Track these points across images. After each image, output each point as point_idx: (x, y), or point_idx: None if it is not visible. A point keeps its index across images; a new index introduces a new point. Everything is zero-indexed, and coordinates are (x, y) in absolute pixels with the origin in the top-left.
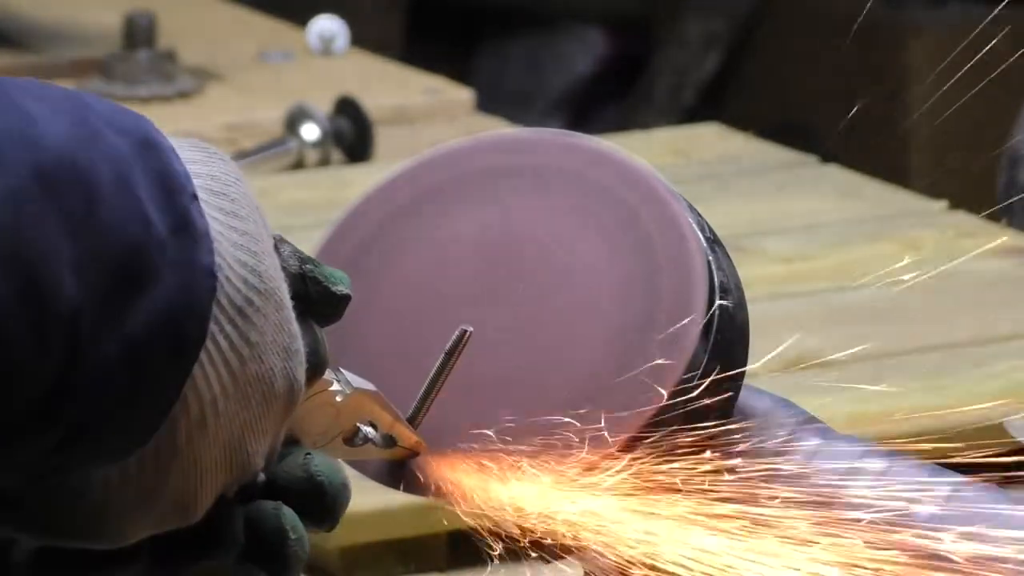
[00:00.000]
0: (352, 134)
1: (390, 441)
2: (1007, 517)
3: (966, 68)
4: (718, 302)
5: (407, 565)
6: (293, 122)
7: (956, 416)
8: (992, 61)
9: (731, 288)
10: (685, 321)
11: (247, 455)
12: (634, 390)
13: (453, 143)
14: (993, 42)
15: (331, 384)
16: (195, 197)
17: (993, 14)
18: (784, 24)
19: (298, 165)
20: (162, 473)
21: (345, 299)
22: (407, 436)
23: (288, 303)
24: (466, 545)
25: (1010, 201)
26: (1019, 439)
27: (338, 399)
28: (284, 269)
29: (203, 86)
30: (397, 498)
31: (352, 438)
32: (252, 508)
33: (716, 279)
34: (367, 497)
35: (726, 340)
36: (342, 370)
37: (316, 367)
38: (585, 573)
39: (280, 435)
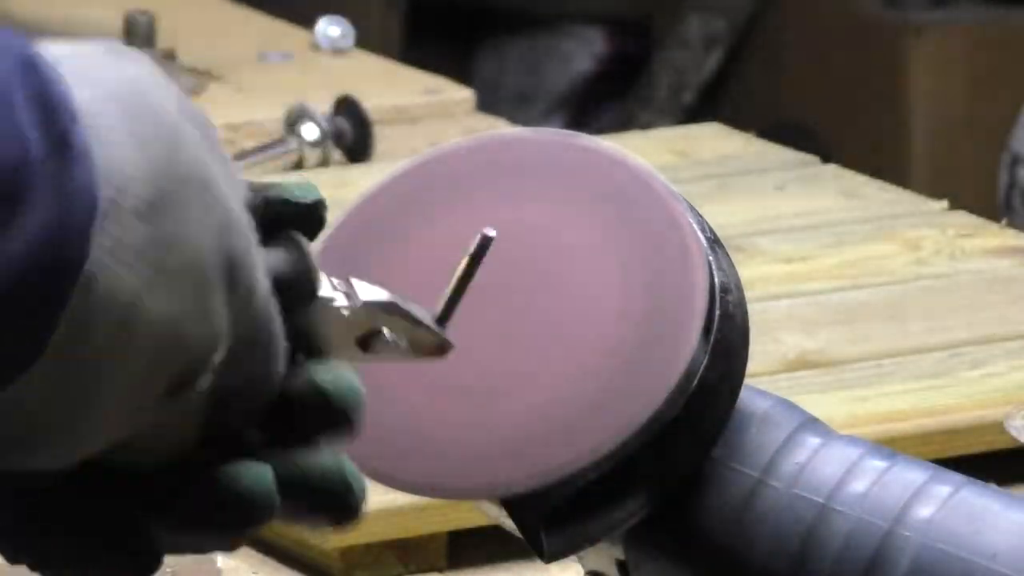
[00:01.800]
0: (352, 134)
1: (414, 346)
2: (1007, 518)
3: (966, 67)
4: (718, 302)
5: (407, 565)
6: (293, 122)
7: (956, 416)
8: (992, 61)
9: (731, 288)
10: (685, 321)
11: (194, 336)
12: (634, 390)
13: (453, 143)
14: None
15: (333, 300)
16: (75, 118)
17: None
18: (784, 24)
19: (298, 165)
20: (84, 379)
21: (318, 205)
22: (429, 338)
23: (217, 181)
24: (466, 545)
25: (1010, 201)
26: (1019, 439)
27: (344, 312)
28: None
29: (203, 86)
30: (397, 498)
31: (369, 342)
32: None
33: (716, 279)
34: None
35: (726, 340)
36: (353, 281)
37: (302, 283)
38: (586, 573)
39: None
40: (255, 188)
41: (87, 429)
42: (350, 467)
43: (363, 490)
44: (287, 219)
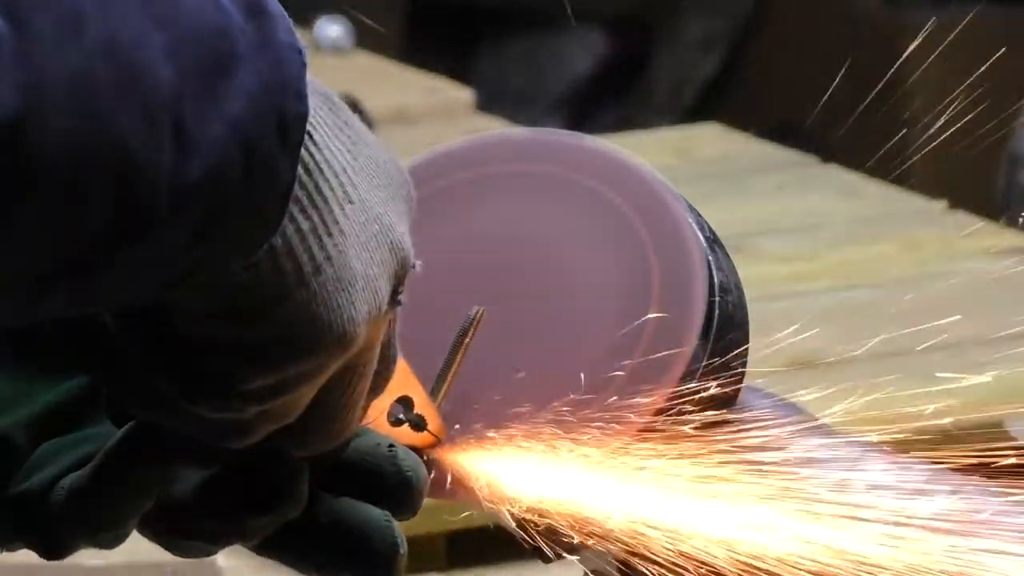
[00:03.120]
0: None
1: (421, 423)
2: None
3: (966, 67)
4: (718, 302)
5: (407, 565)
6: None
7: (956, 416)
8: (992, 60)
9: (731, 288)
10: (685, 321)
11: (400, 234)
12: (634, 390)
13: (453, 143)
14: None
15: None
16: None
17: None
18: (784, 24)
19: None
20: (338, 248)
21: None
22: (435, 418)
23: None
24: (466, 545)
25: (1010, 201)
26: (1019, 439)
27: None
28: None
29: None
30: None
31: (388, 416)
32: (355, 509)
33: (716, 279)
34: None
35: (726, 340)
36: None
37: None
38: (585, 573)
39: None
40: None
41: (356, 298)
42: (400, 535)
43: (404, 552)
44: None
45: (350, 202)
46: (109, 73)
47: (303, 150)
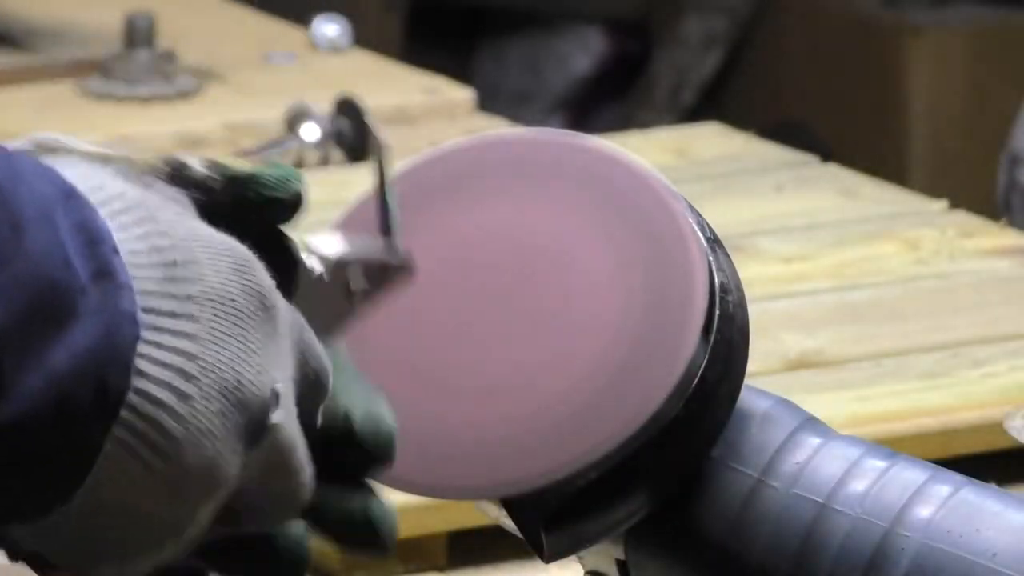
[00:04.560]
0: (352, 134)
1: (377, 277)
2: (1007, 517)
3: (966, 68)
4: (718, 302)
5: (407, 565)
6: (293, 122)
7: (956, 416)
8: (992, 61)
9: (731, 288)
10: (685, 321)
11: (252, 387)
12: (633, 390)
13: (453, 143)
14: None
15: (313, 271)
16: (116, 251)
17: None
18: (784, 24)
19: (298, 165)
20: (159, 472)
21: (298, 198)
22: (387, 269)
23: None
24: (466, 545)
25: (1010, 201)
26: (1019, 439)
27: (325, 277)
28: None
29: (203, 86)
30: (397, 498)
31: (348, 298)
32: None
33: (716, 279)
34: None
35: (726, 340)
36: (308, 239)
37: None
38: (586, 573)
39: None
40: (227, 175)
41: (186, 497)
42: (379, 507)
43: (393, 528)
44: (269, 215)
45: (179, 418)
46: None
47: (125, 412)
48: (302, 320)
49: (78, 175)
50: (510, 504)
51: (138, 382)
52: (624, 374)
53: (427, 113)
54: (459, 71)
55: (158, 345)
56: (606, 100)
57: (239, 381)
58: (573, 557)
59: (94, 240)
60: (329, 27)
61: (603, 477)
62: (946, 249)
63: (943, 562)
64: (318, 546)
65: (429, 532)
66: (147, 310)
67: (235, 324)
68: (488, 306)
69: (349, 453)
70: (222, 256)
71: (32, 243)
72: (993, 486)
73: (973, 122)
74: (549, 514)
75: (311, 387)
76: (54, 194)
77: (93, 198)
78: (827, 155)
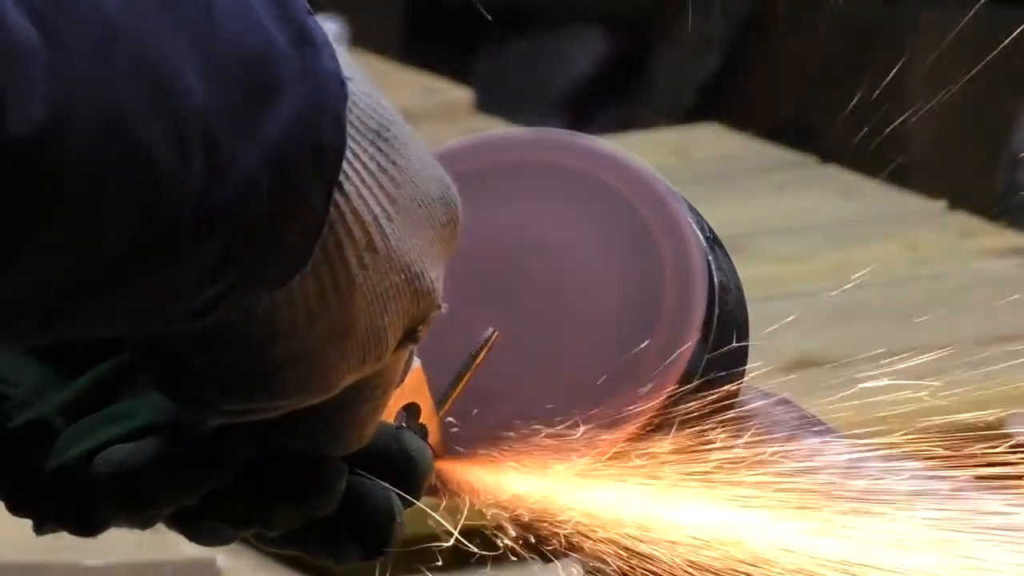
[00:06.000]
0: None
1: (423, 433)
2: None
3: (966, 67)
4: (718, 302)
5: (407, 565)
6: None
7: (956, 416)
8: (992, 61)
9: (731, 288)
10: (685, 321)
11: (429, 282)
12: (634, 390)
13: (453, 143)
14: (993, 41)
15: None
16: (310, 12)
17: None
18: (784, 24)
19: None
20: (343, 303)
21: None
22: (436, 432)
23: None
24: (466, 545)
25: (1010, 201)
26: (1019, 438)
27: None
28: None
29: None
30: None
31: (394, 419)
32: (356, 480)
33: (716, 279)
34: None
35: (726, 340)
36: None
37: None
38: (585, 572)
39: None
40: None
41: (340, 368)
42: (398, 505)
43: (401, 521)
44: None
45: (374, 251)
46: (139, 90)
47: (332, 199)
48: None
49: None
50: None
51: (345, 180)
52: (624, 374)
53: (427, 113)
54: (459, 71)
55: (364, 166)
56: (606, 100)
57: (421, 271)
58: (573, 557)
59: (288, 4)
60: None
61: None
62: (946, 249)
63: None
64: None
65: (429, 532)
66: (353, 153)
67: (427, 220)
68: (487, 306)
69: (391, 456)
70: (434, 166)
71: (228, 22)
72: (993, 487)
73: (973, 122)
74: None
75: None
76: None
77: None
78: (827, 155)
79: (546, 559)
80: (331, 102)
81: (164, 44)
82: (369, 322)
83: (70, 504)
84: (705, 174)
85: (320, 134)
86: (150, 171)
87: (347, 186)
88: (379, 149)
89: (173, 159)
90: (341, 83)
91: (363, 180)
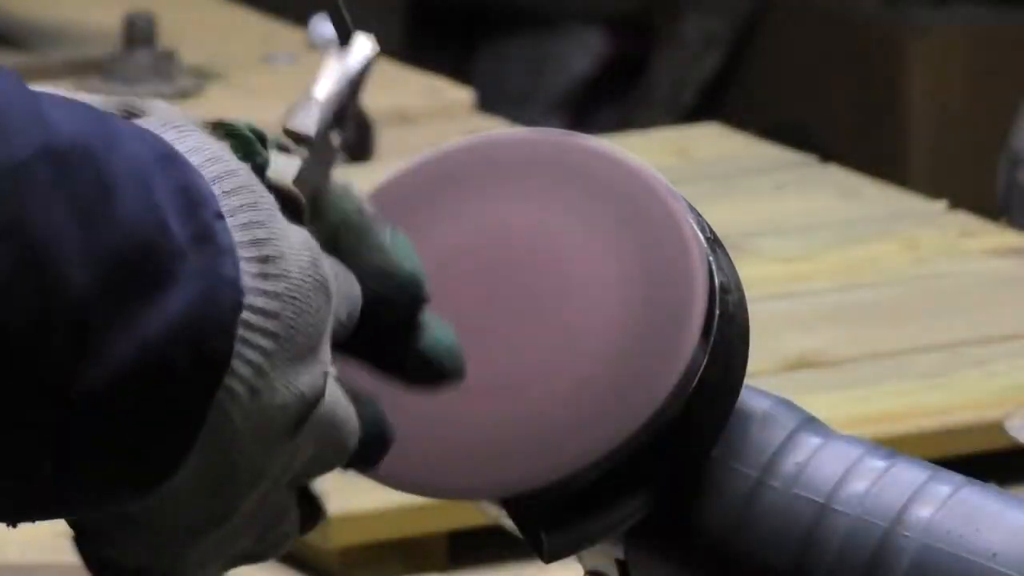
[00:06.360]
0: (352, 134)
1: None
2: (1006, 517)
3: (966, 68)
4: (718, 302)
5: (407, 565)
6: None
7: (956, 416)
8: (992, 61)
9: (731, 288)
10: (685, 321)
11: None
12: (633, 391)
13: (453, 143)
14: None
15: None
16: (219, 215)
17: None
18: (784, 24)
19: None
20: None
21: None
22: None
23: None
24: (466, 545)
25: (1010, 201)
26: (1019, 439)
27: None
28: None
29: (204, 86)
30: (397, 498)
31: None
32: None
33: (716, 279)
34: (367, 497)
35: (726, 341)
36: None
37: None
38: (586, 573)
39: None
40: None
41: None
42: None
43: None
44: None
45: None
46: (8, 259)
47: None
48: (337, 268)
49: (194, 143)
50: (510, 504)
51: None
52: (624, 374)
53: (427, 113)
54: (459, 71)
55: (249, 326)
56: (606, 100)
57: (302, 392)
58: (573, 557)
59: (195, 202)
60: (327, 27)
61: (603, 477)
62: (946, 249)
63: (943, 562)
64: (317, 546)
65: (429, 532)
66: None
67: (308, 320)
68: (487, 306)
69: (392, 293)
70: (302, 253)
71: (123, 209)
72: (993, 486)
73: (973, 122)
74: (549, 514)
75: (349, 318)
76: (150, 156)
77: (206, 170)
78: (827, 155)
79: (546, 559)
80: (222, 308)
81: (47, 217)
82: (252, 465)
83: None
84: (705, 174)
85: (206, 341)
86: (4, 334)
87: (235, 386)
88: (261, 289)
89: (33, 329)
90: (237, 290)
91: (251, 372)
